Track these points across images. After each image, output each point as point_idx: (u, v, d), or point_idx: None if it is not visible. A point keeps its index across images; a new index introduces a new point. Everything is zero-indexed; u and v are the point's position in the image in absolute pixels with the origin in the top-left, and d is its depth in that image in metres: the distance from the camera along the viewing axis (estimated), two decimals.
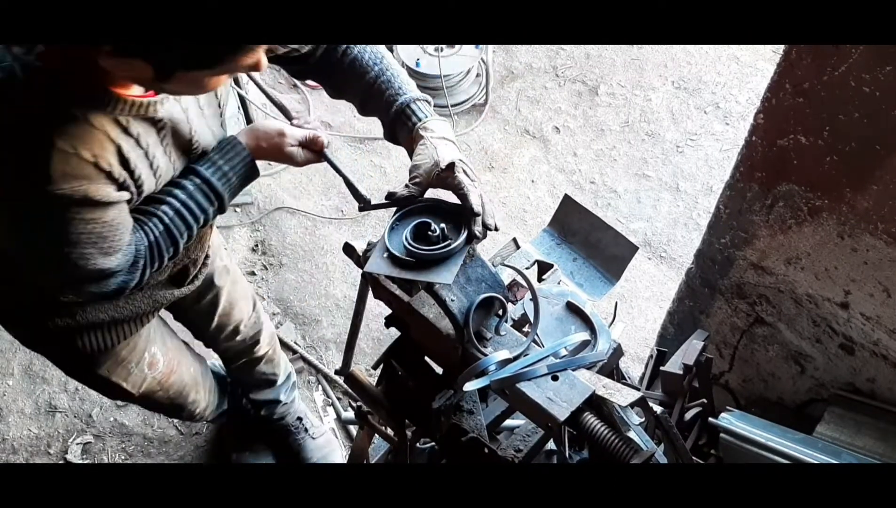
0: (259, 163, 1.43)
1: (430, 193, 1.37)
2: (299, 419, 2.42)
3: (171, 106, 1.29)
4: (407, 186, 1.35)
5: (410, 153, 1.40)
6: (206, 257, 1.73)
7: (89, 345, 1.60)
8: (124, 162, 1.22)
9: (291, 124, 1.47)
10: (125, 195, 1.25)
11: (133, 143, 1.24)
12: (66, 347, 1.60)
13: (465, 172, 1.33)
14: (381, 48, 1.47)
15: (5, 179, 1.16)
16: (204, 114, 1.41)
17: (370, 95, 1.45)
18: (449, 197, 1.36)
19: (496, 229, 1.32)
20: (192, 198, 1.37)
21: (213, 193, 1.38)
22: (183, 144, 1.35)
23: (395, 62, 1.47)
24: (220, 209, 1.42)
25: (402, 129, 1.42)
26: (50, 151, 1.12)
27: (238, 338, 2.05)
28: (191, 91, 1.25)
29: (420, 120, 1.40)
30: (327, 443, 2.46)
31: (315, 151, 1.47)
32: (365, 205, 1.45)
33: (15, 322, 1.63)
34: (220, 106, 1.48)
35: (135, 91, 1.21)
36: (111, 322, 1.59)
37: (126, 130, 1.22)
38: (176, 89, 1.19)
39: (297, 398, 2.45)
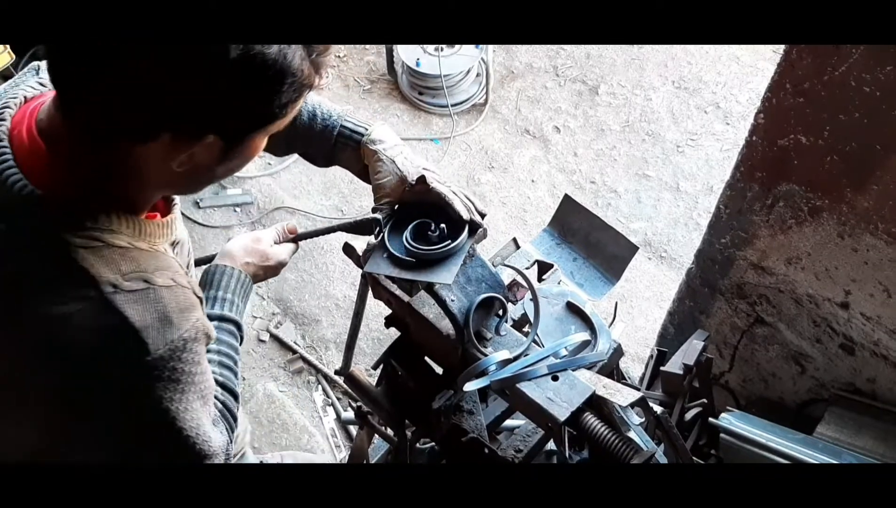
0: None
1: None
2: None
3: (180, 224, 1.18)
4: (376, 209, 1.33)
5: (359, 171, 1.37)
6: None
7: None
8: None
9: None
10: None
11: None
12: None
13: (436, 179, 1.30)
14: None
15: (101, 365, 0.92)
16: None
17: (299, 135, 1.35)
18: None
19: (484, 215, 1.32)
20: (222, 343, 1.23)
21: (234, 325, 1.26)
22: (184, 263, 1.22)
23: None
24: (242, 337, 1.30)
25: (343, 150, 1.36)
26: (157, 292, 0.93)
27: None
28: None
29: (362, 134, 1.34)
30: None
31: (291, 239, 1.42)
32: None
33: None
34: None
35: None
36: None
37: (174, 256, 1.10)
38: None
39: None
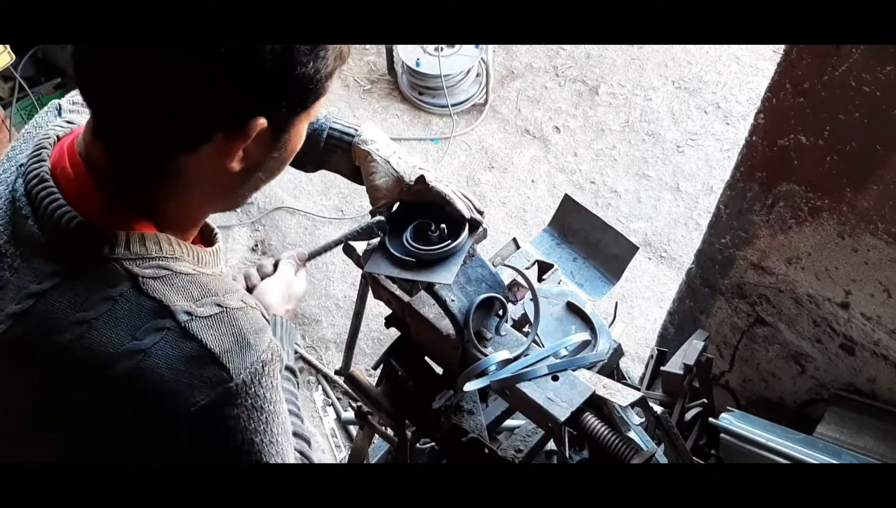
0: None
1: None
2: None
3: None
4: (374, 212, 1.32)
5: (350, 172, 1.36)
6: None
7: None
8: None
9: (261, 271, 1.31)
10: None
11: None
12: None
13: (434, 178, 1.30)
14: None
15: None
16: None
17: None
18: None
19: (482, 213, 1.31)
20: (285, 391, 1.16)
21: (290, 373, 1.21)
22: None
23: None
24: (298, 384, 1.25)
25: (333, 152, 1.33)
26: (231, 313, 0.89)
27: None
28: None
29: (352, 136, 1.31)
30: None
31: (303, 263, 1.35)
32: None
33: None
34: None
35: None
36: None
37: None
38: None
39: None
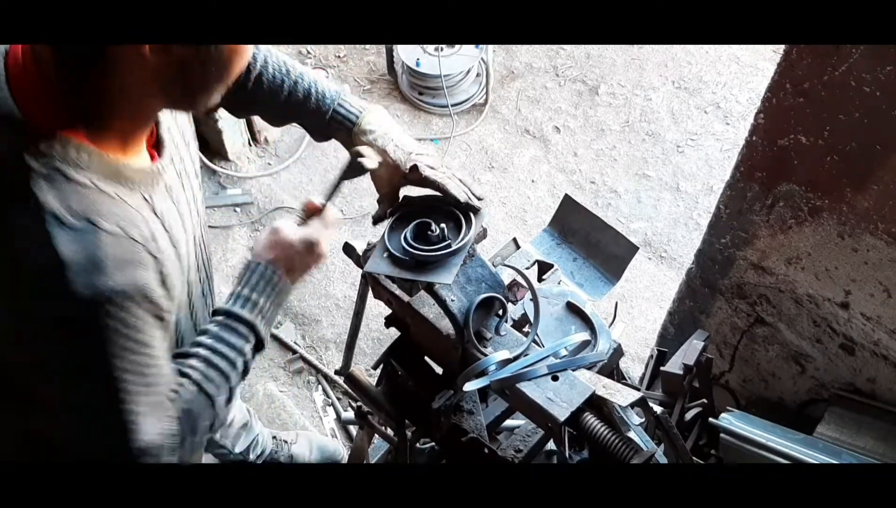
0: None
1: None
2: (274, 437, 2.34)
3: (194, 186, 1.14)
4: (380, 201, 1.34)
5: (348, 150, 1.35)
6: None
7: None
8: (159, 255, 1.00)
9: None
10: (171, 305, 1.03)
11: (160, 226, 1.02)
12: None
13: (428, 165, 1.30)
14: (284, 58, 1.34)
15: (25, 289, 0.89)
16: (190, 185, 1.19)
17: (293, 110, 1.35)
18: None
19: (481, 199, 1.30)
20: (220, 340, 1.12)
21: (245, 326, 1.14)
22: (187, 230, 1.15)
23: (298, 66, 1.34)
24: (258, 344, 1.18)
25: (337, 131, 1.35)
26: (97, 235, 0.89)
27: (237, 428, 2.05)
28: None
29: (353, 122, 1.32)
30: (308, 442, 2.43)
31: (314, 211, 1.30)
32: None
33: None
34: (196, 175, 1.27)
35: (142, 160, 1.02)
36: None
37: (153, 210, 1.01)
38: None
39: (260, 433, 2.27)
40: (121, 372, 0.95)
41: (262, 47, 1.35)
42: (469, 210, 1.29)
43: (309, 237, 1.22)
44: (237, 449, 2.15)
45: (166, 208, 1.07)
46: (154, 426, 1.00)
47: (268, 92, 1.32)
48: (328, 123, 1.34)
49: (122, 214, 0.94)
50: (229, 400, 1.13)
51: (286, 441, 2.37)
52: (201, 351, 1.10)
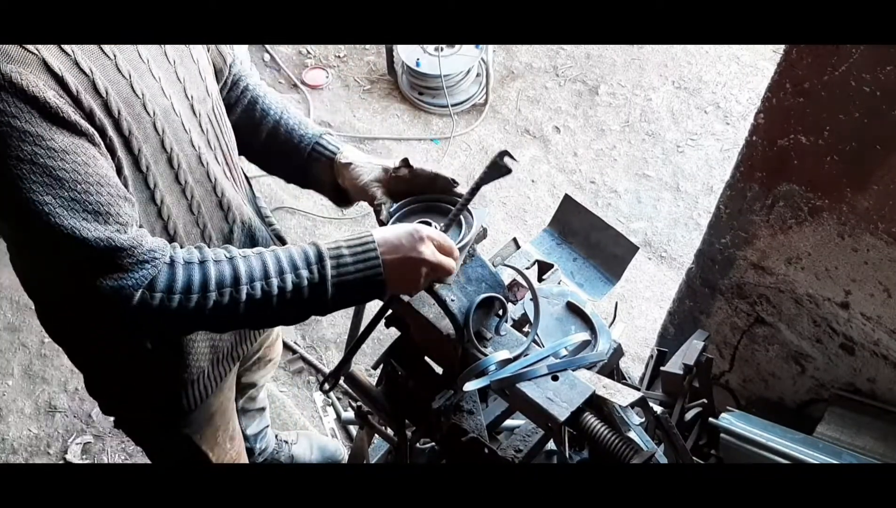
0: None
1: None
2: (276, 437, 2.37)
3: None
4: (376, 207, 1.29)
5: (331, 186, 1.39)
6: None
7: (192, 395, 1.41)
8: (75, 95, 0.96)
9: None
10: (85, 127, 0.97)
11: (86, 81, 0.98)
12: (158, 405, 1.41)
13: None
14: (274, 95, 1.43)
15: None
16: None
17: (275, 141, 1.39)
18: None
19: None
20: (288, 254, 1.07)
21: (319, 263, 1.08)
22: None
23: (289, 107, 1.43)
24: (321, 297, 1.09)
25: (316, 162, 1.37)
26: None
27: (269, 366, 2.00)
28: None
29: (334, 153, 1.37)
30: (310, 442, 2.44)
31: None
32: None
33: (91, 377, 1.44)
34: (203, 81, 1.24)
35: None
36: (216, 360, 1.41)
37: (77, 64, 0.98)
38: None
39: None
40: (25, 180, 0.92)
41: (252, 82, 1.43)
42: (464, 203, 1.26)
43: (433, 263, 1.13)
44: (249, 432, 2.14)
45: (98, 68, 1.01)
46: (100, 231, 0.96)
47: (255, 112, 1.40)
48: (307, 157, 1.38)
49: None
50: (248, 318, 1.07)
51: (286, 442, 2.38)
52: (248, 251, 1.07)
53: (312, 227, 3.16)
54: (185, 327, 1.13)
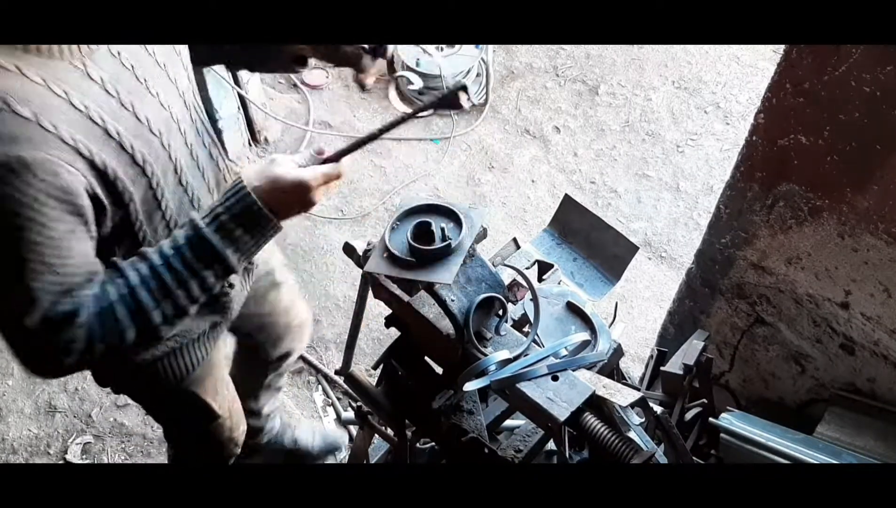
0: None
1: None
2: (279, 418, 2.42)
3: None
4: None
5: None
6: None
7: (180, 363, 1.47)
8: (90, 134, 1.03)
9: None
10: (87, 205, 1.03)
11: (101, 92, 1.07)
12: (150, 373, 1.45)
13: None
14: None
15: None
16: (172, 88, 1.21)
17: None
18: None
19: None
20: (178, 255, 1.08)
21: (209, 249, 1.09)
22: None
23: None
24: (225, 270, 1.12)
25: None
26: None
27: (298, 330, 1.97)
28: None
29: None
30: (312, 428, 2.48)
31: (321, 160, 1.18)
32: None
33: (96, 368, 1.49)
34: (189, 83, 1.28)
35: None
36: (192, 342, 1.46)
37: (88, 75, 1.05)
38: None
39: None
40: (11, 247, 0.97)
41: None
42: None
43: (304, 181, 1.11)
44: (264, 410, 2.20)
45: (110, 74, 1.07)
46: (53, 306, 1.01)
47: None
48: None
49: (23, 93, 0.96)
50: (175, 318, 1.10)
51: (290, 426, 2.42)
52: (154, 258, 1.08)
53: (312, 227, 3.16)
54: (125, 350, 1.11)
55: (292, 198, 1.12)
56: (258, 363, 1.99)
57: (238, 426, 1.86)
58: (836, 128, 1.44)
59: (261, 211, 1.10)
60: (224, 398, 1.73)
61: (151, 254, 1.09)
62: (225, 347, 1.70)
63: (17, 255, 0.98)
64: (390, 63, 3.60)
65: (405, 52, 3.40)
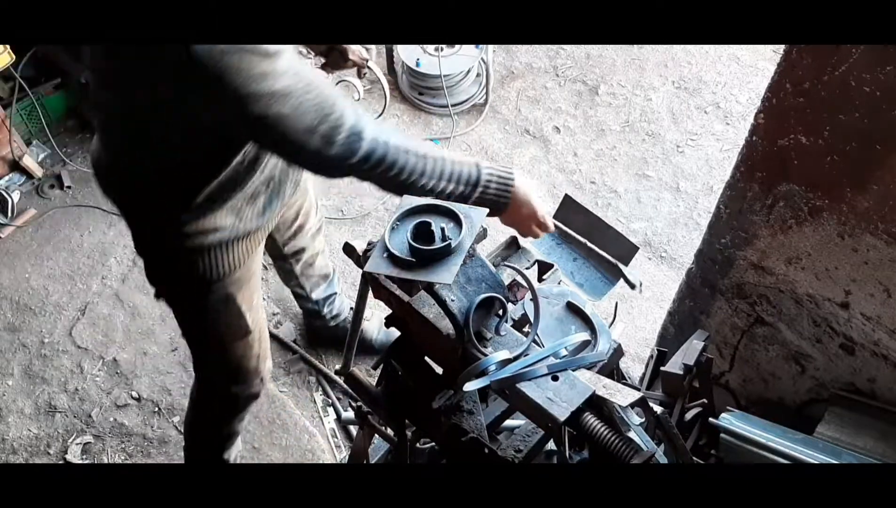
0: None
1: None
2: (350, 308, 2.59)
3: None
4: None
5: None
6: None
7: (222, 256, 1.63)
8: None
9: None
10: None
11: None
12: (196, 264, 1.62)
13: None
14: None
15: None
16: None
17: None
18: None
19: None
20: (458, 169, 1.39)
21: (474, 186, 1.41)
22: None
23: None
24: (464, 193, 1.41)
25: None
26: None
27: (311, 233, 2.22)
28: None
29: None
30: (380, 323, 2.57)
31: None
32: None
33: (146, 244, 1.67)
34: None
35: None
36: (253, 231, 1.64)
37: None
38: None
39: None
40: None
41: None
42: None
43: (540, 215, 1.51)
44: (314, 296, 2.49)
45: None
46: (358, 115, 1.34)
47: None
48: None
49: None
50: (410, 184, 1.36)
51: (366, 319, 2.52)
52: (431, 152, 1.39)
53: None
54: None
55: (522, 216, 1.49)
56: (276, 252, 2.22)
57: (265, 358, 1.96)
58: (836, 128, 1.44)
59: (501, 204, 1.44)
60: (257, 313, 1.84)
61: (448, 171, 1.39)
62: (260, 257, 1.82)
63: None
64: (390, 64, 3.61)
65: (405, 53, 3.40)
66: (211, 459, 2.27)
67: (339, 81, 2.17)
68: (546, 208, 1.52)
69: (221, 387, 2.03)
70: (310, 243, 2.26)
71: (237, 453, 2.35)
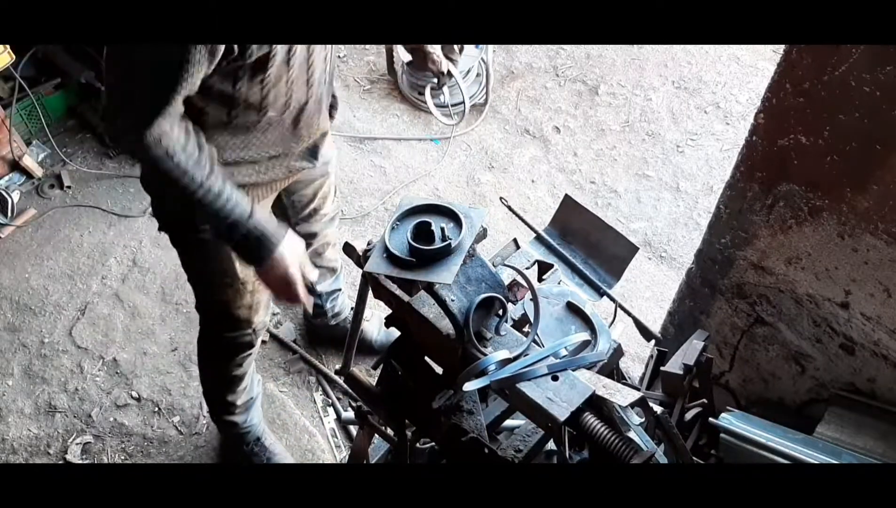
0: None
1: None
2: (351, 309, 2.56)
3: None
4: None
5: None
6: (326, 135, 1.87)
7: None
8: None
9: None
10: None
11: None
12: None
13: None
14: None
15: None
16: None
17: None
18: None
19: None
20: (228, 191, 1.46)
21: (226, 215, 1.48)
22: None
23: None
24: (221, 232, 1.51)
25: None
26: None
27: (325, 219, 2.23)
28: None
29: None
30: (380, 323, 2.60)
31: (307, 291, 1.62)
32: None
33: (150, 180, 1.73)
34: None
35: None
36: (251, 185, 1.70)
37: None
38: None
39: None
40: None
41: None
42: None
43: (291, 277, 1.56)
44: (319, 288, 2.50)
45: None
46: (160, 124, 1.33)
47: None
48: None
49: None
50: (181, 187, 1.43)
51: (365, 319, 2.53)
52: (214, 181, 1.45)
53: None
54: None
55: (274, 275, 1.57)
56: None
57: (257, 311, 2.00)
58: (836, 128, 1.44)
59: (259, 257, 1.54)
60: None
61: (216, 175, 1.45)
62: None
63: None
64: (390, 64, 3.61)
65: (405, 53, 3.40)
66: (218, 401, 2.32)
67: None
68: (301, 281, 1.59)
69: (214, 330, 2.09)
70: (322, 229, 2.27)
71: (248, 399, 2.35)
